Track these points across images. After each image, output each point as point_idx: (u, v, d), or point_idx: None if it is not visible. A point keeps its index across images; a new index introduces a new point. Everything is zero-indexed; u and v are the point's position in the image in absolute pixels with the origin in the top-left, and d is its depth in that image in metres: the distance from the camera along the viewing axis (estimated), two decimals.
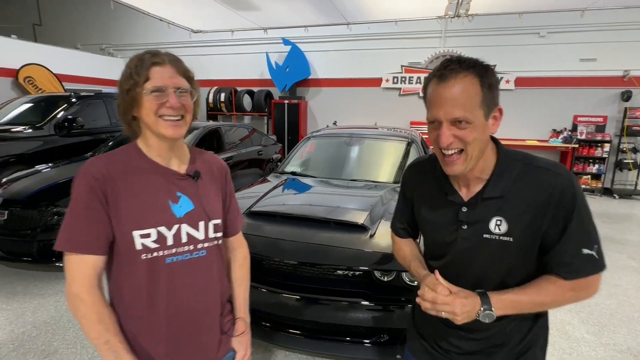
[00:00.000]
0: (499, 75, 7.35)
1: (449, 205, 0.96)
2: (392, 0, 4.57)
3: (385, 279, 2.05)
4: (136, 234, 0.89)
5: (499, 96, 0.87)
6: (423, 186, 1.06)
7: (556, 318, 2.77)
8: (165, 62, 0.91)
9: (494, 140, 0.93)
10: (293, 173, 3.53)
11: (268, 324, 2.17)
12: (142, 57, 0.90)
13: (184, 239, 0.96)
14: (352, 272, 2.07)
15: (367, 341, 2.08)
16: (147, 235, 0.90)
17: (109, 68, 9.59)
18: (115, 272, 0.93)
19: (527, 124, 7.45)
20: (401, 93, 8.14)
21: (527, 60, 7.26)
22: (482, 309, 0.86)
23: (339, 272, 2.08)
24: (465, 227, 0.93)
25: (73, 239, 0.86)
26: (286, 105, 8.41)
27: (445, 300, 0.87)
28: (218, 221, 1.04)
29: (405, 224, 1.19)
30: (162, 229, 0.92)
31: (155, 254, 0.91)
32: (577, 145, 6.98)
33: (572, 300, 0.89)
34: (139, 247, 0.89)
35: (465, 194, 0.94)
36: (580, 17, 5.49)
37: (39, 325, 2.51)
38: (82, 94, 5.72)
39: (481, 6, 4.57)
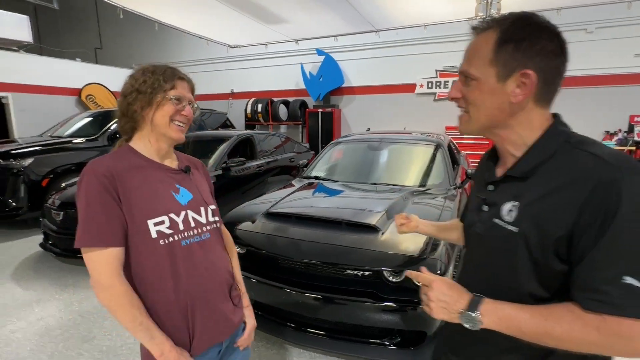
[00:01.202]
0: None
1: (484, 183, 0.86)
2: (418, 6, 4.56)
3: (394, 280, 2.05)
4: (150, 222, 0.97)
5: (534, 58, 0.69)
6: (480, 166, 0.96)
7: None
8: (185, 79, 1.08)
9: (555, 116, 0.77)
10: (316, 177, 3.62)
11: (276, 320, 2.26)
12: (165, 69, 1.04)
13: (192, 224, 1.06)
14: (361, 272, 2.09)
15: (379, 342, 2.08)
16: (161, 223, 0.99)
17: None
18: (137, 259, 0.98)
19: (575, 125, 6.48)
20: (436, 98, 7.97)
21: (574, 58, 6.41)
22: (464, 309, 0.71)
23: (349, 271, 2.11)
24: (486, 208, 0.82)
25: (95, 235, 0.92)
26: (320, 113, 8.56)
27: (427, 279, 0.76)
28: (214, 207, 1.17)
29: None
30: (172, 215, 1.01)
31: (171, 238, 1.00)
32: (634, 148, 6.38)
33: (600, 348, 0.62)
34: (154, 234, 0.97)
35: (499, 172, 0.82)
36: (632, 10, 5.08)
37: (83, 314, 2.80)
38: None
39: (513, 4, 4.40)
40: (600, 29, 6.54)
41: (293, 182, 3.60)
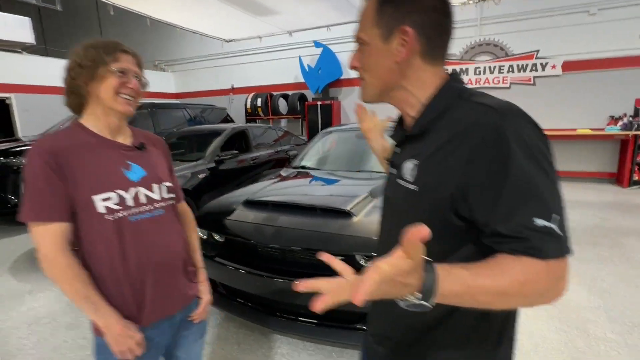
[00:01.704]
0: (544, 61, 6.83)
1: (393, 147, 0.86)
2: None
3: (366, 264, 2.04)
4: (96, 198, 0.98)
5: (412, 14, 0.69)
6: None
7: (578, 316, 2.51)
8: (130, 53, 1.06)
9: (453, 76, 0.75)
10: (303, 167, 3.62)
11: (255, 307, 2.28)
12: (107, 42, 1.03)
13: (143, 200, 1.07)
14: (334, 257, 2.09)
15: (353, 326, 2.08)
16: (108, 199, 1.00)
17: (159, 82, 10.55)
18: (85, 235, 1.01)
19: (578, 111, 6.78)
20: None
21: (575, 42, 6.63)
22: (415, 294, 0.54)
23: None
24: (394, 171, 0.80)
25: (38, 210, 0.94)
26: (319, 106, 8.54)
27: (375, 281, 0.51)
28: (169, 184, 1.17)
29: None
30: (120, 192, 1.02)
31: (118, 214, 1.01)
32: (639, 132, 6.20)
33: (542, 295, 0.58)
34: (101, 210, 0.99)
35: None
36: None
37: (72, 304, 2.85)
38: None
39: None
40: (603, 11, 6.34)
41: (281, 172, 3.61)
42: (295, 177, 3.30)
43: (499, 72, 7.23)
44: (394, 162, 0.82)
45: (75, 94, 1.04)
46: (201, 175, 4.44)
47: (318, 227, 2.19)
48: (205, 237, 2.54)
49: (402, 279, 0.52)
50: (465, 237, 0.66)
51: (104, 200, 1.00)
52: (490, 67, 7.28)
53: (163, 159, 1.23)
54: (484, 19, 7.18)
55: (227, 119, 8.51)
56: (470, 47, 7.38)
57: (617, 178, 6.72)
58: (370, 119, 1.25)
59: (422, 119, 0.73)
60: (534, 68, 6.97)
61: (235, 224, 2.44)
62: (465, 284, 0.56)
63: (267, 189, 2.89)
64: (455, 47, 7.51)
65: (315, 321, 2.15)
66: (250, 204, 2.57)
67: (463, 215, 0.64)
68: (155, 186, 1.12)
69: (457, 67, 7.49)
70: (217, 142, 4.88)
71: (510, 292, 0.56)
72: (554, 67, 6.81)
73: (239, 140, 5.45)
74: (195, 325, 1.25)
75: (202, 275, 1.29)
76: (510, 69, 7.14)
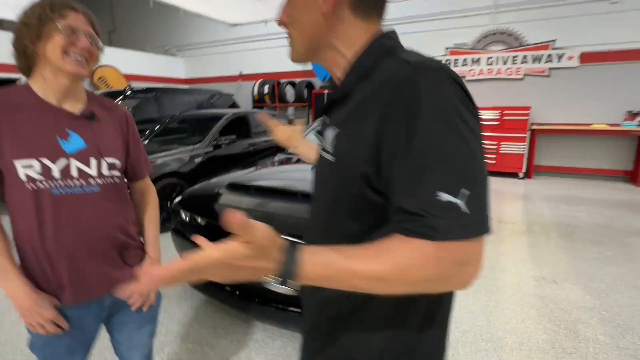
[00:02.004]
0: (560, 52, 6.52)
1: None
2: None
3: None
4: (17, 163, 0.93)
5: None
6: None
7: (570, 316, 2.40)
8: (80, 11, 0.98)
9: (386, 33, 0.66)
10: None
11: (231, 291, 2.25)
12: (54, 1, 0.96)
13: (75, 174, 0.99)
14: None
15: None
16: (29, 166, 0.94)
17: (169, 67, 10.59)
18: (9, 201, 0.98)
19: (594, 105, 6.48)
20: None
21: (594, 32, 6.30)
22: (271, 277, 0.51)
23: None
24: (322, 142, 0.72)
25: None
26: (326, 95, 8.41)
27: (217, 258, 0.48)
28: (113, 160, 1.08)
29: None
30: (46, 160, 0.95)
31: (39, 184, 0.95)
32: None
33: (438, 283, 0.51)
34: (22, 177, 0.94)
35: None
36: None
37: None
38: (135, 88, 6.37)
39: None
40: None
41: (276, 158, 3.57)
42: (285, 162, 3.25)
43: (512, 63, 6.95)
44: (322, 132, 0.74)
45: (23, 54, 0.96)
46: (198, 159, 4.42)
47: (299, 213, 2.13)
48: (187, 219, 2.52)
49: (246, 263, 0.49)
50: (385, 215, 0.56)
51: (25, 167, 0.93)
52: (503, 57, 7.00)
53: (117, 132, 1.12)
54: (499, 6, 6.89)
55: (234, 106, 8.48)
56: (482, 36, 7.10)
57: (632, 176, 6.43)
58: (281, 129, 1.15)
59: (346, 80, 0.65)
60: (549, 59, 6.67)
61: (217, 207, 2.40)
62: (334, 267, 0.51)
63: (254, 173, 2.85)
64: (467, 35, 7.26)
65: (298, 310, 2.10)
66: (234, 187, 2.52)
67: (379, 188, 0.56)
68: (93, 160, 1.03)
69: (469, 57, 7.24)
70: (216, 127, 4.85)
71: (389, 278, 0.49)
72: (570, 58, 6.51)
73: (240, 126, 5.41)
74: (139, 312, 1.18)
75: (149, 262, 1.19)
76: (524, 60, 6.85)
